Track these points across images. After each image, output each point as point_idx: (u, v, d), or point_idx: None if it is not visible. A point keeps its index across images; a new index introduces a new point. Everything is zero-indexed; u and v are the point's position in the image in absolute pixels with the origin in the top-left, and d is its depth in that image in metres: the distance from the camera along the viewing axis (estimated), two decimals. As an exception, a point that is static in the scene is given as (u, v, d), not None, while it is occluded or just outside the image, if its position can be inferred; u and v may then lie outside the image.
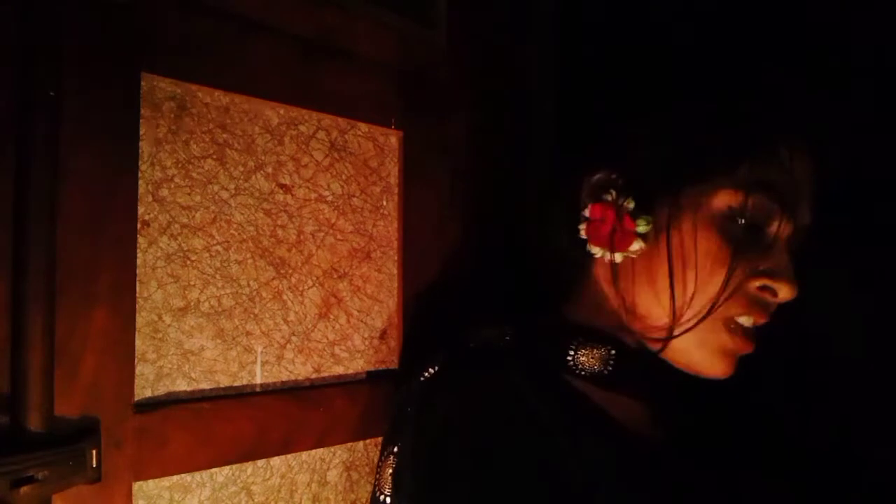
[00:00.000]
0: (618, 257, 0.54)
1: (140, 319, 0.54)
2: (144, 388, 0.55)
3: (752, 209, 0.52)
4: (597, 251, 0.55)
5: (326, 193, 0.68)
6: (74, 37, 0.50)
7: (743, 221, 0.52)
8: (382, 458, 0.57)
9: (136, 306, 0.54)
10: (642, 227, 0.53)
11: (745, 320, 0.53)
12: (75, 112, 0.50)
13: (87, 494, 0.49)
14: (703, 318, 0.51)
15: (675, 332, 0.53)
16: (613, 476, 0.50)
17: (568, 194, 0.58)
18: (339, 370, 0.68)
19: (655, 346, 0.55)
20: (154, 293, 0.56)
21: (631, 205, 0.54)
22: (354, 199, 0.70)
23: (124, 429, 0.52)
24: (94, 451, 0.49)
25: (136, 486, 0.53)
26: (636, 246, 0.53)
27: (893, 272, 0.71)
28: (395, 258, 0.74)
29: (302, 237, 0.66)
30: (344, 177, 0.69)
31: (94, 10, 0.51)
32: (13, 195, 0.47)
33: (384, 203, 0.73)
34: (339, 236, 0.69)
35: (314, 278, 0.66)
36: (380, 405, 0.69)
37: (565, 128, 0.81)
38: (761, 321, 0.54)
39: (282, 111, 0.64)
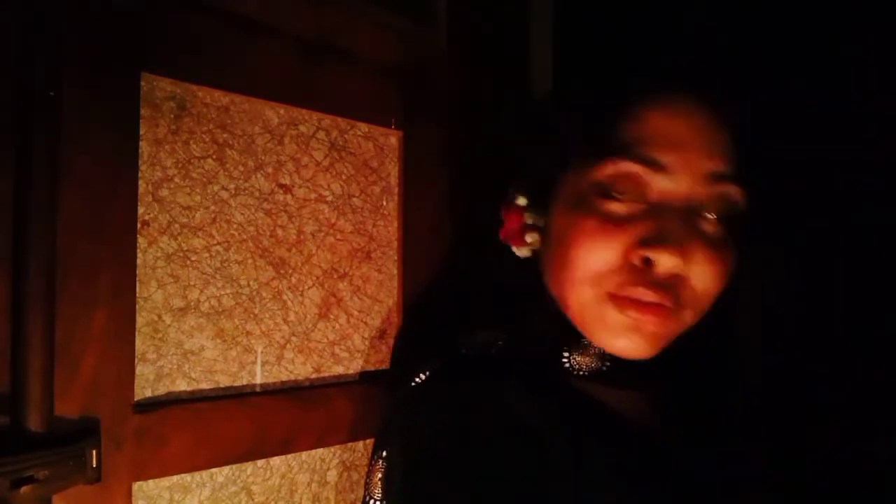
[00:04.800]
0: (523, 251, 0.59)
1: (140, 319, 0.54)
2: (144, 388, 0.55)
3: (611, 178, 0.49)
4: (515, 250, 0.60)
5: (326, 193, 0.68)
6: (74, 37, 0.50)
7: (612, 192, 0.49)
8: (372, 462, 0.56)
9: (136, 306, 0.54)
10: (530, 219, 0.57)
11: (634, 293, 0.49)
12: (75, 112, 0.50)
13: (87, 494, 0.49)
14: (578, 291, 0.51)
15: (571, 313, 0.53)
16: (615, 476, 0.50)
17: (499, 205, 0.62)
18: (339, 370, 0.68)
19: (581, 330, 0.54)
20: (154, 293, 0.56)
21: (523, 202, 0.58)
22: (354, 199, 0.70)
23: (124, 429, 0.52)
24: (94, 451, 0.49)
25: (136, 486, 0.53)
26: (530, 238, 0.57)
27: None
28: (395, 258, 0.74)
29: (302, 237, 0.66)
30: (344, 177, 0.69)
31: (94, 10, 0.51)
32: (13, 195, 0.47)
33: (384, 203, 0.73)
34: (339, 236, 0.69)
35: (314, 278, 0.66)
36: (379, 405, 0.69)
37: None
38: (653, 299, 0.48)
39: (282, 111, 0.64)
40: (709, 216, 0.50)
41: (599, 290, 0.50)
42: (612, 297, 0.50)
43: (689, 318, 0.52)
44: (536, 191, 0.57)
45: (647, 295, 0.48)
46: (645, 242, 0.48)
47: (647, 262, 0.48)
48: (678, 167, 0.48)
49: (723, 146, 0.50)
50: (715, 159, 0.49)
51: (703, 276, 0.50)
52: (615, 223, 0.49)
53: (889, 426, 0.69)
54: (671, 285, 0.49)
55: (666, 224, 0.48)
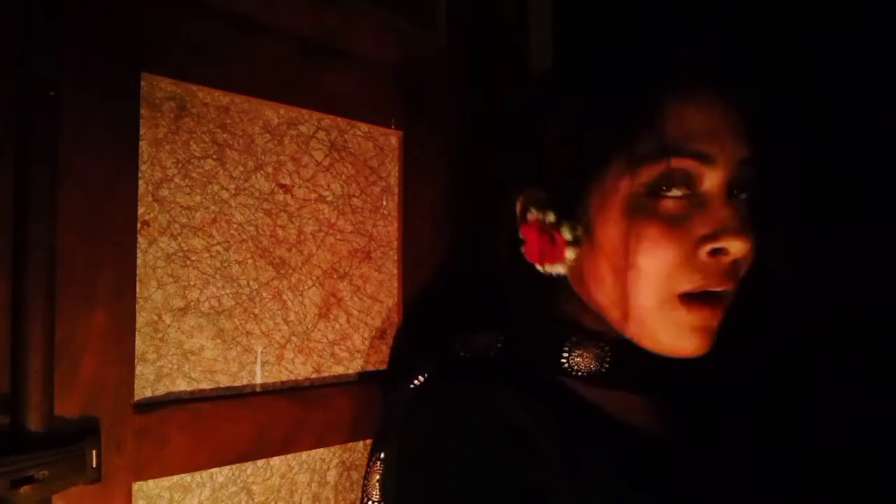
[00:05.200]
0: (559, 268, 0.54)
1: (140, 319, 0.54)
2: (144, 388, 0.55)
3: (660, 177, 0.49)
4: (542, 268, 0.55)
5: (326, 193, 0.68)
6: (74, 37, 0.50)
7: (664, 190, 0.49)
8: (370, 464, 0.56)
9: (136, 306, 0.54)
10: (568, 234, 0.53)
11: (710, 286, 0.50)
12: (75, 112, 0.50)
13: (87, 494, 0.49)
14: (641, 298, 0.50)
15: (624, 321, 0.52)
16: (614, 478, 0.50)
17: (506, 218, 0.58)
18: (339, 370, 0.68)
19: (629, 336, 0.53)
20: (154, 293, 0.56)
21: (552, 218, 0.54)
22: (354, 199, 0.70)
23: (124, 429, 0.52)
24: (94, 451, 0.49)
25: (136, 486, 0.53)
26: (570, 254, 0.53)
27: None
28: (395, 258, 0.74)
29: (302, 237, 0.66)
30: (344, 177, 0.69)
31: (94, 10, 0.51)
32: (13, 195, 0.47)
33: (384, 203, 0.73)
34: (339, 236, 0.69)
35: (314, 278, 0.66)
36: (379, 405, 0.69)
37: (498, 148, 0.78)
38: (723, 287, 0.50)
39: (282, 111, 0.64)
40: (742, 198, 0.52)
41: (669, 292, 0.50)
42: (682, 299, 0.50)
43: (732, 298, 0.53)
44: (565, 203, 0.54)
45: (723, 285, 0.49)
46: (712, 235, 0.49)
47: (715, 253, 0.49)
48: (721, 157, 0.49)
49: (746, 132, 0.51)
50: (744, 146, 0.51)
51: (748, 257, 0.51)
52: (676, 222, 0.49)
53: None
54: (735, 270, 0.50)
55: (721, 212, 0.49)
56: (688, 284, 0.49)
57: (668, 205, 0.49)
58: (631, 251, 0.49)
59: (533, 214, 0.55)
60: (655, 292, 0.49)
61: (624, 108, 0.51)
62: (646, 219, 0.49)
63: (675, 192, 0.49)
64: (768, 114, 0.57)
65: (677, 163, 0.49)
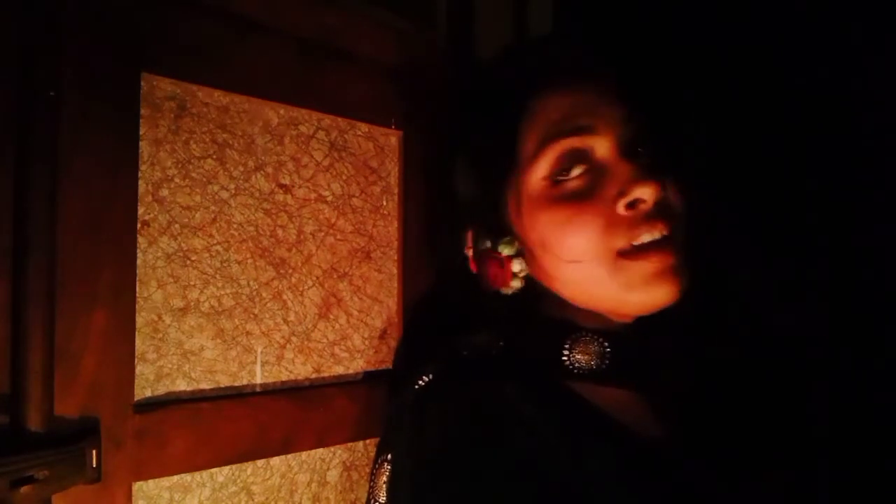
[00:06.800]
0: (517, 283, 0.58)
1: (140, 319, 0.54)
2: (144, 388, 0.55)
3: (555, 164, 0.52)
4: (505, 291, 0.59)
5: (326, 193, 0.68)
6: (74, 37, 0.50)
7: (565, 174, 0.52)
8: (376, 465, 0.57)
9: (136, 306, 0.54)
10: (508, 250, 0.57)
11: (640, 238, 0.51)
12: (75, 112, 0.50)
13: (87, 494, 0.49)
14: (591, 275, 0.52)
15: (593, 301, 0.55)
16: (614, 479, 0.50)
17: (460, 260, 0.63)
18: (339, 370, 0.68)
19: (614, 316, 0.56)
20: (154, 293, 0.56)
21: (487, 244, 0.58)
22: (354, 199, 0.70)
23: (124, 429, 0.52)
24: (94, 451, 0.49)
25: (136, 486, 0.53)
26: (518, 266, 0.57)
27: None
28: (395, 258, 0.74)
29: (302, 237, 0.66)
30: (344, 177, 0.69)
31: (94, 10, 0.51)
32: (13, 195, 0.47)
33: (384, 203, 0.73)
34: (339, 236, 0.69)
35: (314, 278, 0.66)
36: (379, 405, 0.69)
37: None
38: (655, 232, 0.51)
39: (282, 111, 0.64)
40: (642, 154, 0.54)
41: (608, 255, 0.51)
42: (622, 255, 0.51)
43: (684, 239, 0.54)
44: (493, 225, 0.57)
45: (653, 230, 0.51)
46: (621, 191, 0.51)
47: (633, 205, 0.51)
48: (600, 124, 0.52)
49: (623, 95, 0.54)
50: (621, 107, 0.53)
51: (668, 194, 0.53)
52: (586, 196, 0.52)
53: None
54: (659, 214, 0.52)
55: (621, 169, 0.52)
56: (620, 241, 0.51)
57: (572, 185, 0.52)
58: (557, 239, 0.53)
59: (472, 249, 0.59)
60: (597, 261, 0.52)
61: (499, 119, 0.55)
62: (557, 204, 0.52)
63: (577, 171, 0.52)
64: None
65: (564, 144, 0.52)
